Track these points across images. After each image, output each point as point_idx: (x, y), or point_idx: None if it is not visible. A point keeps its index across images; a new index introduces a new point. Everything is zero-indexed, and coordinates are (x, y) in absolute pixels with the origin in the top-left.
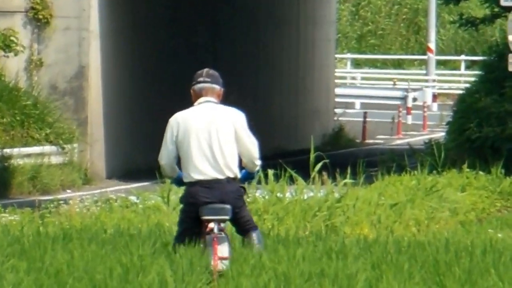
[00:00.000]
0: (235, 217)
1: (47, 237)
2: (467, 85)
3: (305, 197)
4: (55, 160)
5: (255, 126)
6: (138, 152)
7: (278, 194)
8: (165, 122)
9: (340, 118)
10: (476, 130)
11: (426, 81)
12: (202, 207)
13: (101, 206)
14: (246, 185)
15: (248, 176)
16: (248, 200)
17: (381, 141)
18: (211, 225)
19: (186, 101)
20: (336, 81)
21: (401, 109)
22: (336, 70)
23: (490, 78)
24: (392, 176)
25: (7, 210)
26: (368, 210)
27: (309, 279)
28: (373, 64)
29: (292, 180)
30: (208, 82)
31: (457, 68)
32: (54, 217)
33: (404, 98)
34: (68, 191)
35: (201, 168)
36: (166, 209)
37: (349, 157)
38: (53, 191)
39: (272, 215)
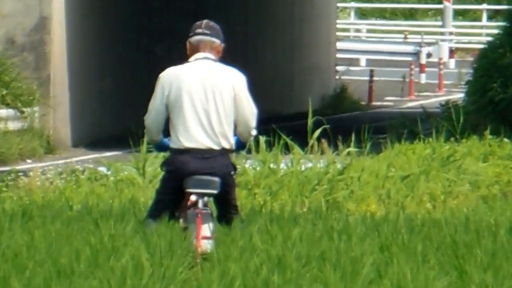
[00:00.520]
0: (222, 197)
1: (4, 215)
2: (489, 38)
3: (303, 168)
4: (12, 125)
5: None
6: (109, 117)
7: (271, 165)
8: (141, 81)
9: (342, 77)
10: (500, 90)
11: (442, 34)
12: (188, 178)
13: (66, 178)
14: (234, 156)
15: (239, 145)
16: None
17: (390, 104)
18: (194, 198)
19: (166, 58)
20: (338, 34)
21: (413, 66)
22: (338, 21)
23: None
24: (403, 144)
25: None
26: (375, 183)
27: (307, 263)
28: (380, 14)
29: (287, 149)
30: (207, 35)
31: (478, 19)
32: (12, 191)
33: (416, 54)
34: (28, 161)
35: (194, 135)
36: (142, 182)
37: (353, 122)
38: (11, 162)
39: (264, 189)
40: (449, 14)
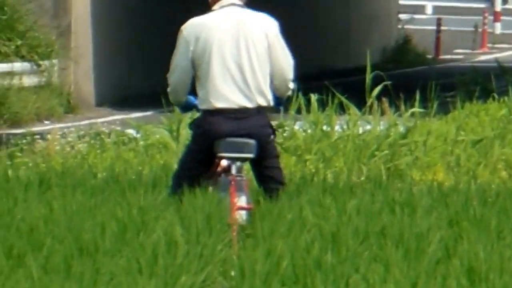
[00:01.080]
0: (260, 163)
1: (18, 183)
2: None
3: (360, 131)
4: (28, 81)
5: (292, 37)
6: (138, 72)
7: (324, 127)
8: (175, 32)
9: (406, 27)
10: None
11: None
12: (219, 141)
13: (89, 142)
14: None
15: (276, 101)
16: (284, 134)
17: (460, 57)
18: (225, 163)
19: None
20: None
21: (486, 14)
22: None
23: None
24: (474, 103)
25: None
26: (443, 148)
27: (365, 240)
28: None
29: (342, 109)
30: None
31: None
32: (27, 156)
33: (490, 0)
34: (46, 122)
35: (226, 94)
36: (175, 147)
37: (418, 78)
38: (26, 123)
39: (316, 155)
40: None
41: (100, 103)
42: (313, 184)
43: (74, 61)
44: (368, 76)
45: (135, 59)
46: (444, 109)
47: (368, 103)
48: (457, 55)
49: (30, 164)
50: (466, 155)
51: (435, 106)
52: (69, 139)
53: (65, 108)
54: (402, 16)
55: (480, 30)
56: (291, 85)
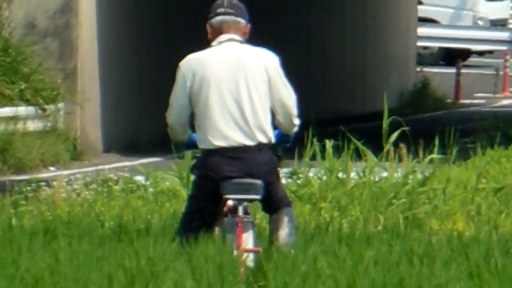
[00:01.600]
0: (267, 195)
1: (23, 233)
2: None
3: (377, 178)
4: (32, 126)
5: (306, 81)
6: (147, 117)
7: (340, 174)
8: None
9: (424, 70)
10: None
11: None
12: (224, 183)
13: (96, 189)
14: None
15: (282, 139)
16: (298, 181)
17: (481, 102)
18: (231, 203)
19: None
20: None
21: (508, 57)
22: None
23: None
24: (496, 149)
25: None
26: (463, 196)
27: None
28: None
29: (358, 155)
30: (231, 14)
31: None
32: (32, 204)
33: None
34: (51, 168)
35: (224, 132)
36: (186, 195)
37: (437, 123)
38: (31, 169)
39: (331, 203)
40: None
41: (108, 148)
42: (328, 234)
43: (80, 105)
44: (385, 121)
45: (144, 103)
46: (464, 155)
47: (385, 149)
48: (478, 99)
49: (35, 213)
50: (487, 203)
51: (454, 152)
52: (76, 186)
53: (71, 154)
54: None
55: (501, 73)
56: (296, 121)
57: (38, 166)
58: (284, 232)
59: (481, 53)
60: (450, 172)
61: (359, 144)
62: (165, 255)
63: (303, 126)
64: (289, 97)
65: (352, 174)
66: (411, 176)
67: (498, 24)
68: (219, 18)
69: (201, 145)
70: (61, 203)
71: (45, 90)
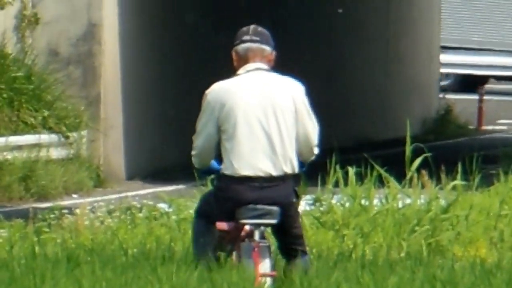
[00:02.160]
0: (282, 226)
1: (46, 260)
2: None
3: (400, 205)
4: (55, 153)
5: (329, 108)
6: (170, 144)
7: (363, 201)
8: None
9: (447, 96)
10: None
11: None
12: (241, 208)
13: (119, 217)
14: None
15: (300, 165)
16: (321, 208)
17: (504, 128)
18: (248, 227)
19: None
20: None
21: None
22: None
23: None
24: None
25: None
26: (486, 223)
27: None
28: None
29: (381, 182)
30: (257, 42)
31: None
32: (55, 232)
33: None
34: (74, 196)
35: (251, 161)
36: None
37: (460, 150)
38: (53, 197)
39: (354, 229)
40: None
41: (131, 176)
42: (351, 260)
43: (103, 133)
44: (408, 148)
45: (167, 130)
46: (487, 182)
47: (408, 176)
48: (500, 125)
49: (58, 240)
50: (510, 230)
51: (477, 179)
52: (99, 214)
53: (94, 182)
54: (444, 84)
55: None
56: (316, 150)
57: (61, 194)
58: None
59: (500, 78)
60: (473, 199)
61: (382, 171)
62: (188, 282)
63: (326, 154)
64: (312, 127)
65: (375, 201)
66: (434, 203)
67: None
68: (244, 45)
69: (226, 171)
70: (84, 231)
71: (68, 118)
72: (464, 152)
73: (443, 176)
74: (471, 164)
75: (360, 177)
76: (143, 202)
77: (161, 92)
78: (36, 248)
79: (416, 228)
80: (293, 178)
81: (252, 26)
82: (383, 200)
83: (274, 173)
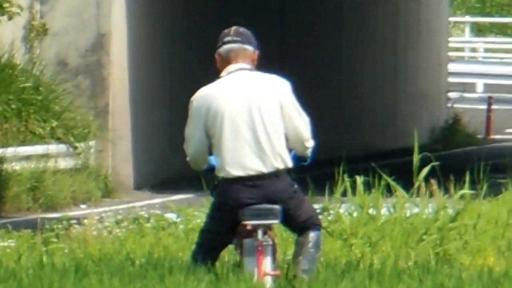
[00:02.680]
0: (289, 218)
1: (54, 270)
2: None
3: (408, 214)
4: (64, 164)
5: (338, 118)
6: (178, 154)
7: (371, 210)
8: None
9: (455, 106)
10: None
11: None
12: (243, 209)
13: (127, 227)
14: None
15: (299, 159)
16: (329, 217)
17: None
18: (251, 226)
19: None
20: (450, 54)
21: None
22: (451, 38)
23: None
24: None
25: None
26: (494, 232)
27: None
28: (501, 30)
29: (389, 191)
30: (238, 42)
31: None
32: (63, 242)
33: None
34: (82, 206)
35: (241, 161)
36: None
37: (468, 159)
38: (62, 207)
39: (362, 239)
40: None
41: (139, 186)
42: (359, 270)
43: (112, 143)
44: (416, 157)
45: (175, 140)
46: (495, 191)
47: (416, 185)
48: (509, 134)
49: (66, 250)
50: None
51: (485, 188)
52: (107, 224)
53: (103, 192)
54: (452, 94)
55: None
56: (309, 144)
57: (69, 204)
58: (305, 261)
59: None
60: (480, 208)
61: (389, 180)
62: None
63: (334, 163)
64: (301, 121)
65: (383, 210)
66: (442, 212)
67: None
68: (226, 46)
69: (220, 174)
70: (92, 241)
71: (76, 128)
72: (472, 161)
73: (451, 185)
74: (479, 173)
75: (368, 186)
76: (151, 212)
77: (169, 102)
78: (44, 258)
79: (424, 237)
80: (289, 172)
81: (233, 28)
82: (391, 209)
83: (265, 170)
